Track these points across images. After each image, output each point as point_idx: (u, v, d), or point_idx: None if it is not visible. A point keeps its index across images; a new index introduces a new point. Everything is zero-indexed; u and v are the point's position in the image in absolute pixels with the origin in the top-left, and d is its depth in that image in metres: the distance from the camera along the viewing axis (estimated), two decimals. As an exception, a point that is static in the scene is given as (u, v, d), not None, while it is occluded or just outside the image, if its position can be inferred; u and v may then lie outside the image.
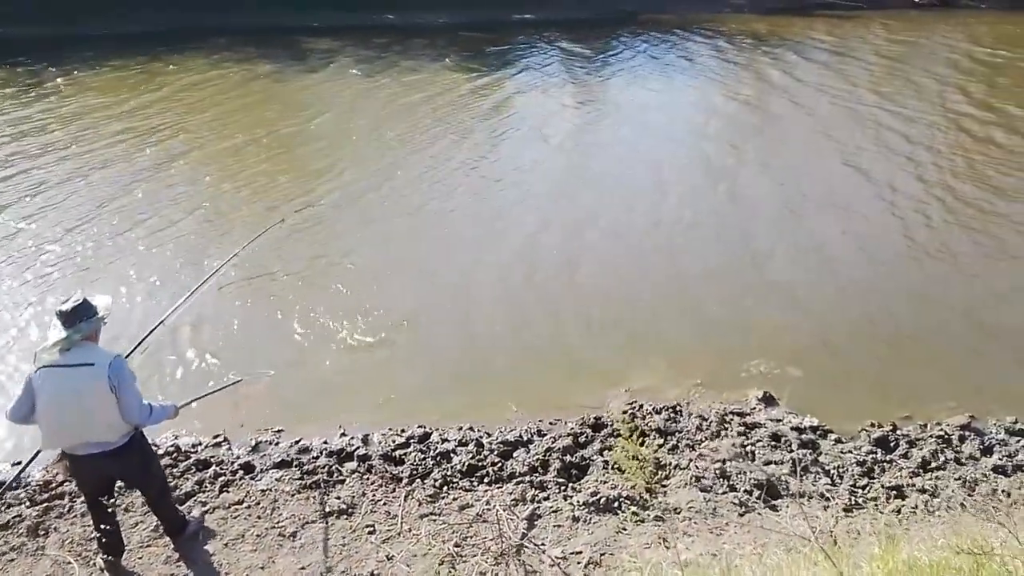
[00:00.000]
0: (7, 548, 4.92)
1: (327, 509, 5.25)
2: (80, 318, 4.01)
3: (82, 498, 5.23)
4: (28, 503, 5.30)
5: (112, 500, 4.57)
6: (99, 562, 4.68)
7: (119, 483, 4.88)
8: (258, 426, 6.16)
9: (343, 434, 6.10)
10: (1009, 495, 5.47)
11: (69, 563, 4.79)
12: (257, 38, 20.80)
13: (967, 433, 6.17)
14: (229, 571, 4.72)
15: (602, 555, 4.90)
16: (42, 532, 5.06)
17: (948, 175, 11.56)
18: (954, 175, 11.55)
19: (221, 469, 5.61)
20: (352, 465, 5.72)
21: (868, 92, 16.13)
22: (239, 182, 11.28)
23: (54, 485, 5.46)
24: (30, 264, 8.78)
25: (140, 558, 4.83)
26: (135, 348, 5.13)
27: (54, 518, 5.17)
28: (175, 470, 5.61)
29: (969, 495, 5.50)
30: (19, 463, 5.55)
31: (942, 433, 6.15)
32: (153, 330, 5.23)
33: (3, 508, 5.25)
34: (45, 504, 5.28)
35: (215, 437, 6.04)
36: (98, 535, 4.53)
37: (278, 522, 5.13)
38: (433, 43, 21.15)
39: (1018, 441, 6.11)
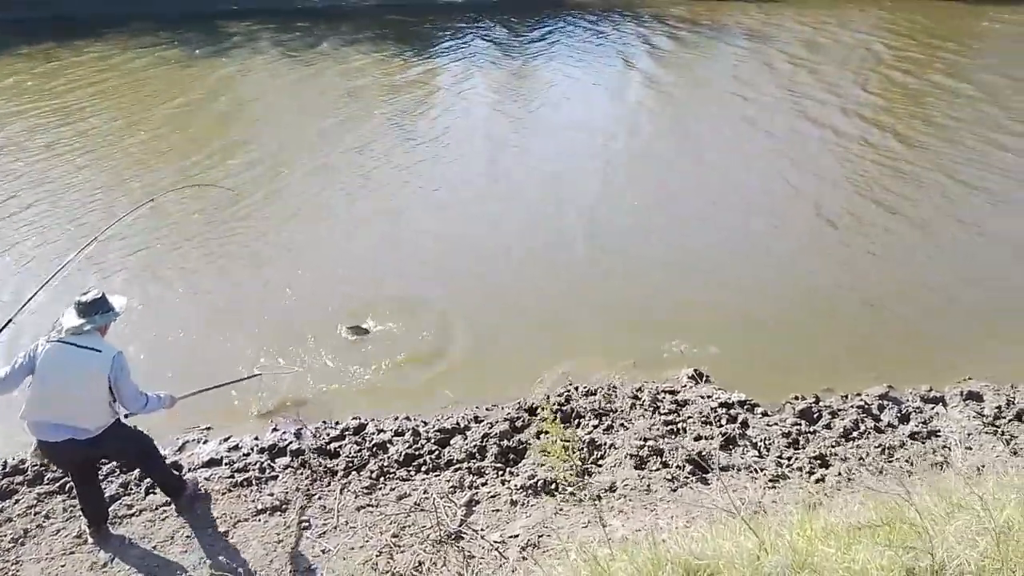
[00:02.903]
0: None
1: (259, 507, 5.15)
2: (97, 311, 4.34)
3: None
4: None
5: (96, 470, 4.83)
6: (83, 527, 4.81)
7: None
8: (184, 425, 5.97)
9: (275, 429, 5.98)
10: (923, 460, 5.75)
11: (-15, 576, 4.58)
12: (173, 23, 20.01)
13: (885, 402, 6.45)
14: (159, 574, 4.59)
15: (540, 537, 4.96)
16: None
17: (857, 155, 12.02)
18: (863, 155, 12.01)
19: (146, 469, 5.42)
20: (285, 460, 5.62)
21: (785, 76, 16.55)
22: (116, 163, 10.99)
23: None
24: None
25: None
26: (6, 324, 4.81)
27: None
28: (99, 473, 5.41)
29: (888, 462, 5.76)
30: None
31: (862, 403, 6.42)
32: (12, 318, 4.94)
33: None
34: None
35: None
36: (81, 504, 4.73)
37: (208, 522, 5.00)
38: (357, 26, 20.73)
39: (932, 408, 6.43)
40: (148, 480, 5.25)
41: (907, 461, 5.77)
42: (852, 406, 6.38)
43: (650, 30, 20.81)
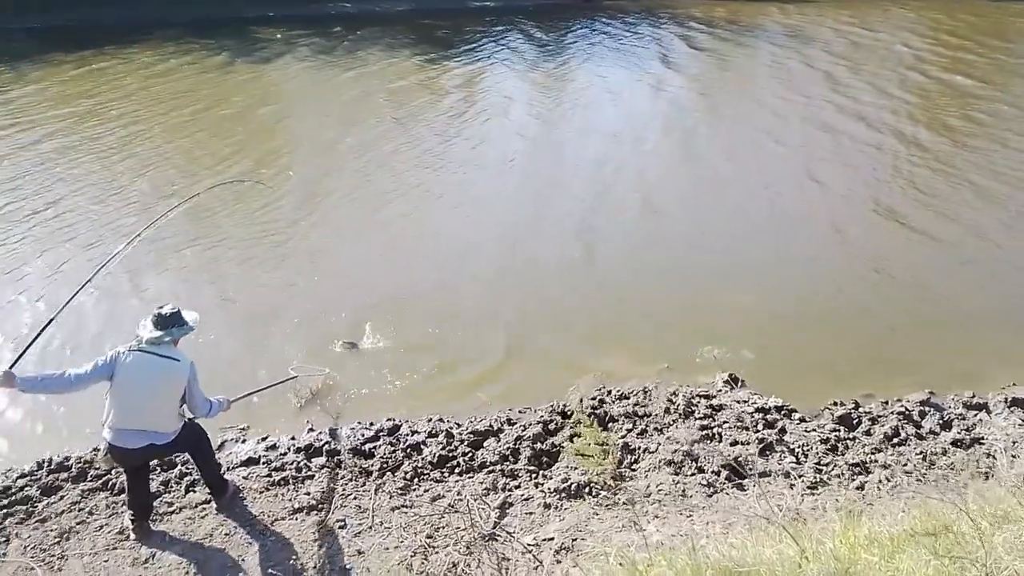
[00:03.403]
0: (-34, 557, 4.80)
1: (296, 505, 5.21)
2: (173, 323, 4.62)
3: (44, 503, 5.20)
4: (-14, 510, 5.18)
5: (149, 468, 5.03)
6: (126, 521, 4.95)
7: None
8: (222, 424, 6.06)
9: (311, 429, 6.04)
10: (966, 468, 5.62)
11: (32, 569, 4.69)
12: (209, 29, 20.34)
13: (927, 409, 6.32)
14: (198, 570, 4.67)
15: (573, 540, 4.94)
16: (2, 539, 4.94)
17: (903, 157, 11.79)
18: (904, 157, 11.78)
19: (186, 468, 5.51)
20: (321, 460, 5.68)
21: (824, 76, 16.32)
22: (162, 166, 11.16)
23: (13, 491, 5.34)
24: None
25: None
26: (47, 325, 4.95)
27: (15, 524, 5.06)
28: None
29: (930, 469, 5.63)
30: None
31: (903, 409, 6.29)
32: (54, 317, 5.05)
33: (-38, 516, 5.12)
34: (4, 510, 5.16)
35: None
36: (129, 497, 4.90)
37: (247, 520, 5.07)
38: (391, 31, 20.89)
39: (975, 415, 6.28)
40: (188, 478, 5.34)
41: (950, 469, 5.64)
42: (892, 412, 6.26)
43: (686, 31, 20.69)
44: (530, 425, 6.07)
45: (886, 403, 6.43)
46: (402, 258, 8.83)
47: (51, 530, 5.03)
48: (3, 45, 18.49)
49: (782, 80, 16.05)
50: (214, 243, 9.05)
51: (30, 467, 5.63)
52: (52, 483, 5.43)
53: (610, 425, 6.11)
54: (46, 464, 5.64)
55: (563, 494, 5.38)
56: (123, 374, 4.48)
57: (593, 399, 6.40)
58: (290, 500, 5.26)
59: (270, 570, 4.55)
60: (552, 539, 4.98)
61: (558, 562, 4.73)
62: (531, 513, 5.24)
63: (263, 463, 5.64)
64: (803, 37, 19.83)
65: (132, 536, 4.92)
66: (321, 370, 6.73)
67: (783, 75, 16.44)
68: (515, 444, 5.86)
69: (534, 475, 5.61)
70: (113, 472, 5.51)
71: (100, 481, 5.46)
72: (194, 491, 5.30)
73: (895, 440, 5.95)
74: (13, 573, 4.69)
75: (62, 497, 5.31)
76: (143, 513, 4.95)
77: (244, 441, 5.94)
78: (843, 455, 5.80)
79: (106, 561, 4.79)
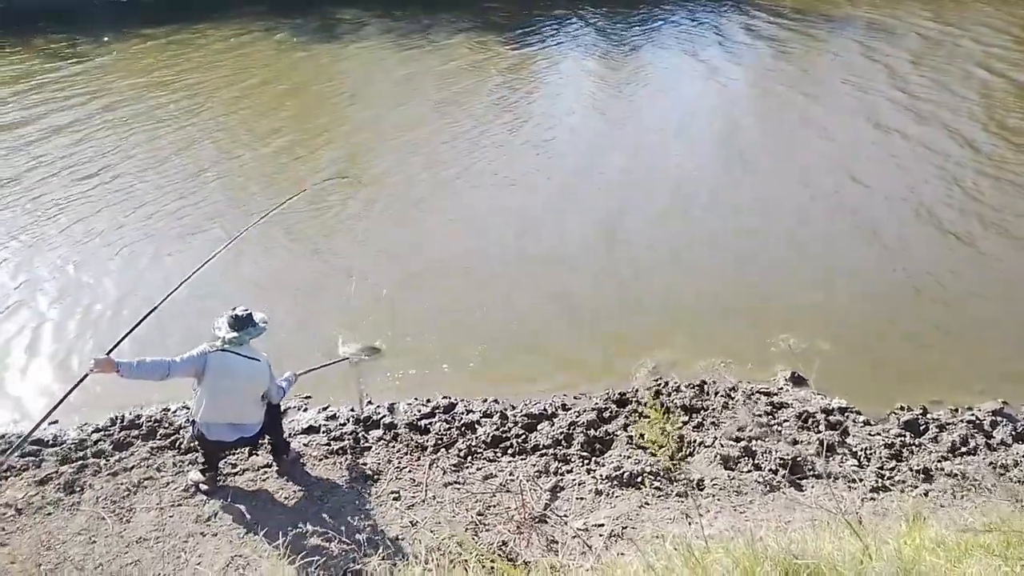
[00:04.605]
0: (44, 503, 5.06)
1: (353, 474, 5.33)
2: (248, 324, 4.90)
3: (116, 457, 5.45)
4: (63, 461, 5.44)
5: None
6: (195, 475, 5.23)
7: None
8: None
9: (369, 402, 6.17)
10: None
11: (103, 519, 4.92)
12: (282, 7, 20.67)
13: (999, 419, 6.07)
14: (257, 531, 4.82)
15: (624, 528, 4.93)
16: (77, 488, 5.19)
17: (987, 162, 11.28)
18: (995, 162, 11.26)
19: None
20: (378, 433, 5.80)
21: (899, 72, 15.71)
22: (266, 151, 11.35)
23: (88, 444, 5.60)
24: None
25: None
26: (156, 307, 5.13)
27: (89, 475, 5.31)
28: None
29: (999, 480, 5.42)
30: (56, 422, 5.73)
31: (973, 418, 6.06)
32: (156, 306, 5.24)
33: (41, 465, 5.40)
34: (80, 462, 5.41)
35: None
36: (203, 457, 5.20)
37: (306, 485, 5.22)
38: (459, 14, 20.84)
39: (1052, 428, 6.00)
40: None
41: (1020, 483, 5.41)
42: (962, 420, 6.04)
43: (749, 19, 20.07)
44: (584, 412, 6.07)
45: (955, 411, 6.21)
46: (466, 243, 8.83)
47: (121, 483, 5.26)
48: (86, 15, 19.17)
49: (869, 72, 15.47)
50: (275, 227, 9.20)
51: (104, 423, 5.91)
52: (124, 439, 5.68)
53: (666, 416, 6.05)
54: (119, 421, 5.90)
55: (615, 482, 5.36)
56: (213, 374, 4.81)
57: (649, 389, 6.34)
58: (347, 469, 5.38)
59: (327, 535, 4.66)
60: (602, 525, 4.98)
61: (607, 548, 4.73)
62: (582, 498, 5.25)
63: (323, 432, 5.79)
64: (874, 29, 19.05)
65: (202, 487, 5.16)
66: (374, 349, 6.83)
67: (869, 68, 15.83)
68: (569, 429, 5.87)
69: (586, 461, 5.61)
70: (181, 432, 5.73)
71: (168, 440, 5.68)
72: (257, 454, 5.47)
73: (963, 449, 5.75)
74: (86, 521, 4.93)
75: (133, 453, 5.55)
76: (213, 468, 5.20)
77: (306, 410, 6.11)
78: (907, 461, 5.63)
79: (171, 517, 4.98)
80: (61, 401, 4.38)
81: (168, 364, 4.70)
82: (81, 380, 4.49)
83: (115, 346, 4.63)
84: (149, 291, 7.53)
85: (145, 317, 4.89)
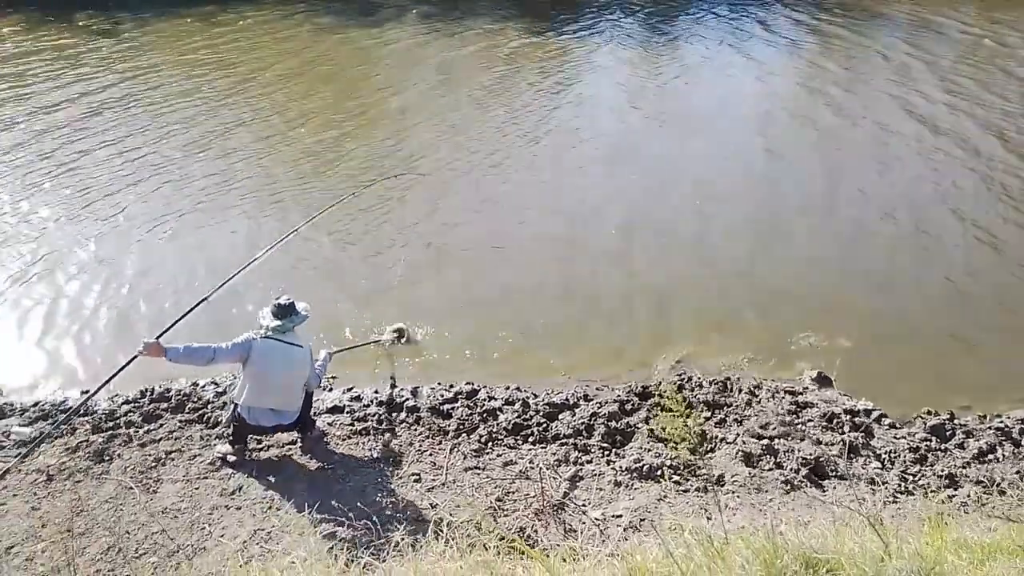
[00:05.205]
0: (74, 470, 5.19)
1: (375, 455, 5.39)
2: (291, 312, 5.07)
3: (144, 429, 5.57)
4: (94, 430, 5.57)
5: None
6: (222, 447, 5.37)
7: None
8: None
9: (393, 385, 6.23)
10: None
11: (131, 488, 5.03)
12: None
13: (1029, 427, 5.97)
14: (280, 507, 4.90)
15: (642, 520, 4.93)
16: (107, 458, 5.32)
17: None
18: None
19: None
20: (401, 415, 5.85)
21: (947, 73, 15.39)
22: (308, 146, 11.45)
23: (118, 415, 5.73)
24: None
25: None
26: (206, 297, 5.24)
27: (118, 445, 5.44)
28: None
29: (1027, 488, 5.33)
30: (87, 391, 5.85)
31: (1002, 425, 5.96)
32: (208, 296, 5.33)
33: (71, 433, 5.53)
34: (110, 432, 5.54)
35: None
36: (233, 432, 5.30)
37: (330, 464, 5.29)
38: (497, 1, 20.77)
39: (1083, 439, 5.88)
40: None
41: (1050, 492, 5.32)
42: (990, 427, 5.95)
43: (798, 14, 19.77)
44: (606, 403, 6.07)
45: (984, 417, 6.12)
46: (498, 232, 8.83)
47: (149, 455, 5.38)
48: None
49: (914, 72, 15.17)
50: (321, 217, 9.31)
51: (134, 395, 6.05)
52: (153, 411, 5.80)
53: (688, 411, 6.03)
54: (149, 393, 6.03)
55: (635, 474, 5.37)
56: (259, 360, 4.96)
57: (672, 383, 6.33)
58: (370, 449, 5.45)
59: (348, 513, 4.72)
60: (620, 516, 4.98)
61: (625, 539, 4.73)
62: (601, 489, 5.26)
63: (347, 412, 5.86)
64: (923, 28, 18.66)
65: (229, 458, 5.28)
66: (402, 332, 6.88)
67: (916, 68, 15.52)
68: (590, 420, 5.88)
69: (607, 452, 5.62)
70: (209, 407, 5.84)
71: (196, 414, 5.79)
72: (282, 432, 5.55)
73: (991, 456, 5.66)
74: (114, 490, 5.04)
75: (161, 425, 5.67)
76: (241, 441, 5.31)
77: (331, 390, 6.19)
78: (932, 466, 5.56)
79: (197, 489, 5.09)
80: (109, 380, 4.51)
81: (214, 350, 4.85)
82: (129, 362, 4.63)
83: (164, 332, 4.75)
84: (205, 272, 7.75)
85: (196, 306, 5.01)
